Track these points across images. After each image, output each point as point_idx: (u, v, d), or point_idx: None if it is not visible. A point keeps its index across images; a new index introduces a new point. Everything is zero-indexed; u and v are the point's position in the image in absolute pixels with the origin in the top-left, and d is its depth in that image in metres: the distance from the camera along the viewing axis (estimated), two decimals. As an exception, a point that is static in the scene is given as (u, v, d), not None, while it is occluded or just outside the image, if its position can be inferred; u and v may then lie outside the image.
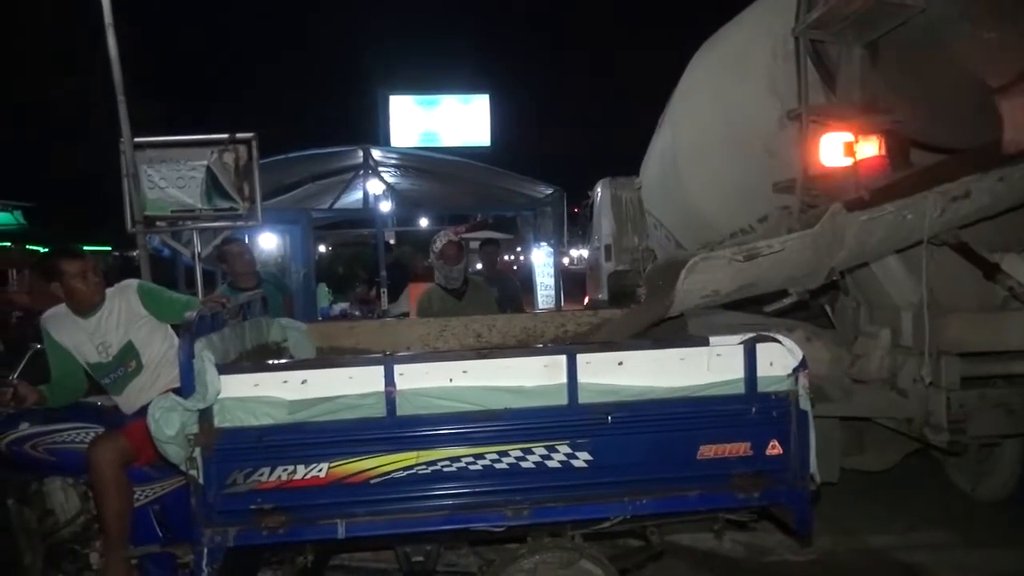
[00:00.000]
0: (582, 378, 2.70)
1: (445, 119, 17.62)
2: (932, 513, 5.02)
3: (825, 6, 3.77)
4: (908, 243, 3.62)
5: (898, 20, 3.81)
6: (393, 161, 9.49)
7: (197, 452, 2.57)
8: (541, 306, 10.30)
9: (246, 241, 5.98)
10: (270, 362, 2.78)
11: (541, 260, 10.27)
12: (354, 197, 10.09)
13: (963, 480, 5.25)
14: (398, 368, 2.64)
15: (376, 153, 9.12)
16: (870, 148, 4.11)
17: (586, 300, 11.53)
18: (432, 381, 2.68)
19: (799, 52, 4.51)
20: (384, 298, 9.11)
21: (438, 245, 4.71)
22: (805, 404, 2.79)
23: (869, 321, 4.69)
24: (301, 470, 2.62)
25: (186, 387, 2.56)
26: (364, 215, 10.32)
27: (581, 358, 2.70)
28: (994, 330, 4.09)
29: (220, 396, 2.58)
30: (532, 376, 2.72)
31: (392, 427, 2.65)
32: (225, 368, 2.65)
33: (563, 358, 2.71)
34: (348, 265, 14.21)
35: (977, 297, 4.12)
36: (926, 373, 3.68)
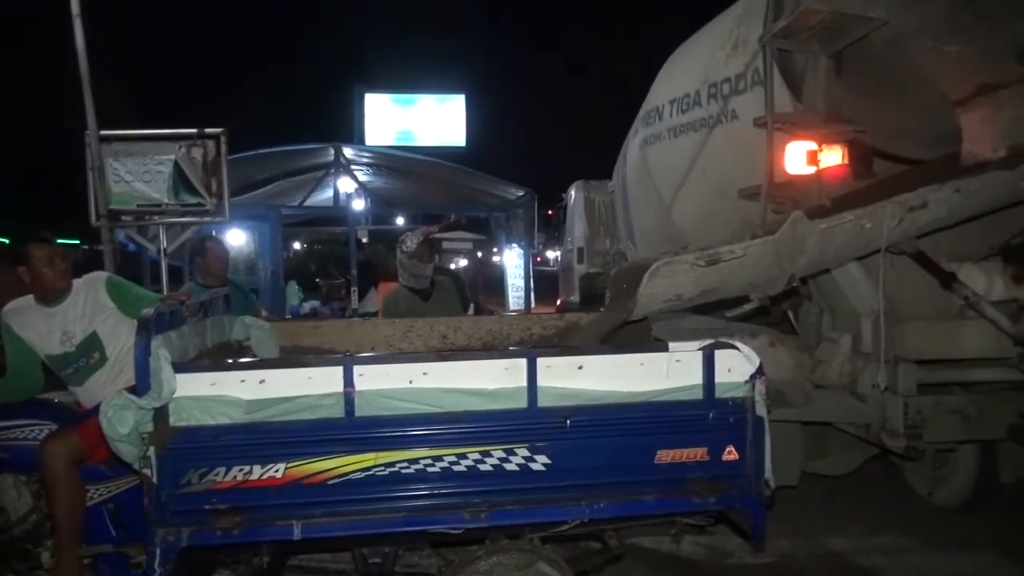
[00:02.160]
0: (542, 381, 2.71)
1: (421, 118, 17.57)
2: (890, 517, 5.10)
3: (791, 16, 3.82)
4: (867, 251, 3.68)
5: (861, 32, 3.87)
6: (365, 159, 9.45)
7: (151, 451, 2.54)
8: (512, 307, 10.31)
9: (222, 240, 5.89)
10: (228, 361, 2.76)
11: (513, 262, 10.27)
12: (325, 195, 10.03)
13: (920, 485, 5.34)
14: (357, 369, 2.63)
15: (348, 151, 9.07)
16: (834, 157, 4.17)
17: (559, 302, 11.57)
18: (392, 382, 2.67)
19: (766, 60, 4.57)
20: (355, 296, 9.07)
21: (410, 244, 4.68)
22: (761, 410, 2.82)
23: (831, 327, 4.75)
24: (257, 470, 2.60)
25: (141, 385, 2.53)
26: (335, 213, 10.27)
27: (541, 361, 2.71)
28: (950, 338, 4.17)
29: (176, 394, 2.55)
30: (492, 379, 2.72)
31: (351, 428, 2.64)
32: (181, 366, 2.62)
33: (523, 361, 2.72)
34: (320, 263, 14.11)
35: (934, 306, 4.19)
36: (882, 379, 3.74)
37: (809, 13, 3.66)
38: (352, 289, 9.13)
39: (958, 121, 3.83)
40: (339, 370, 2.63)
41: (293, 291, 9.19)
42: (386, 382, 2.67)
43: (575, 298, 10.50)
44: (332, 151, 8.82)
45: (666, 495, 2.80)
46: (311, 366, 2.67)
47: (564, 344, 3.61)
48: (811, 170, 4.17)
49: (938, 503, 5.18)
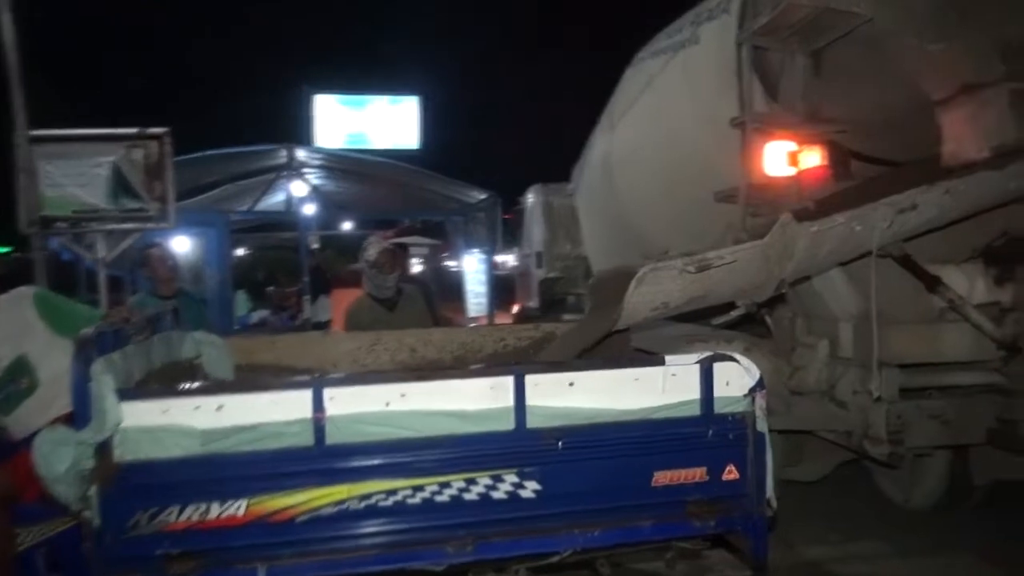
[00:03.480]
0: (530, 400, 2.50)
1: (373, 120, 17.16)
2: (864, 523, 5.02)
3: (773, 13, 3.69)
4: (856, 254, 3.57)
5: (845, 29, 3.78)
6: (319, 162, 9.08)
7: (93, 490, 2.24)
8: (472, 314, 10.05)
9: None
10: (182, 386, 2.47)
11: (473, 267, 10.02)
12: (276, 199, 9.62)
13: (893, 489, 5.28)
14: (328, 391, 2.38)
15: (300, 153, 8.70)
16: (813, 158, 4.07)
17: (516, 307, 11.37)
18: (366, 405, 2.42)
19: (740, 60, 4.45)
20: (321, 305, 8.73)
21: (371, 252, 4.43)
22: (762, 426, 2.65)
23: (806, 332, 4.65)
24: (216, 508, 2.32)
25: (80, 415, 2.24)
26: (287, 218, 9.85)
27: (530, 379, 2.50)
28: (932, 342, 4.09)
29: (122, 425, 2.26)
30: (476, 399, 2.49)
31: (321, 457, 2.38)
32: (128, 393, 2.32)
33: (510, 379, 2.50)
34: (268, 270, 13.61)
35: (915, 309, 4.11)
36: (875, 387, 3.63)
37: (793, 8, 3.54)
38: (304, 297, 8.77)
39: (939, 121, 3.76)
40: (307, 393, 2.37)
41: (241, 300, 8.78)
42: (360, 405, 2.42)
43: (534, 303, 10.31)
44: (285, 153, 8.44)
45: (664, 519, 2.61)
46: (275, 389, 2.40)
47: (548, 358, 3.39)
48: (790, 172, 4.07)
49: (913, 507, 5.12)
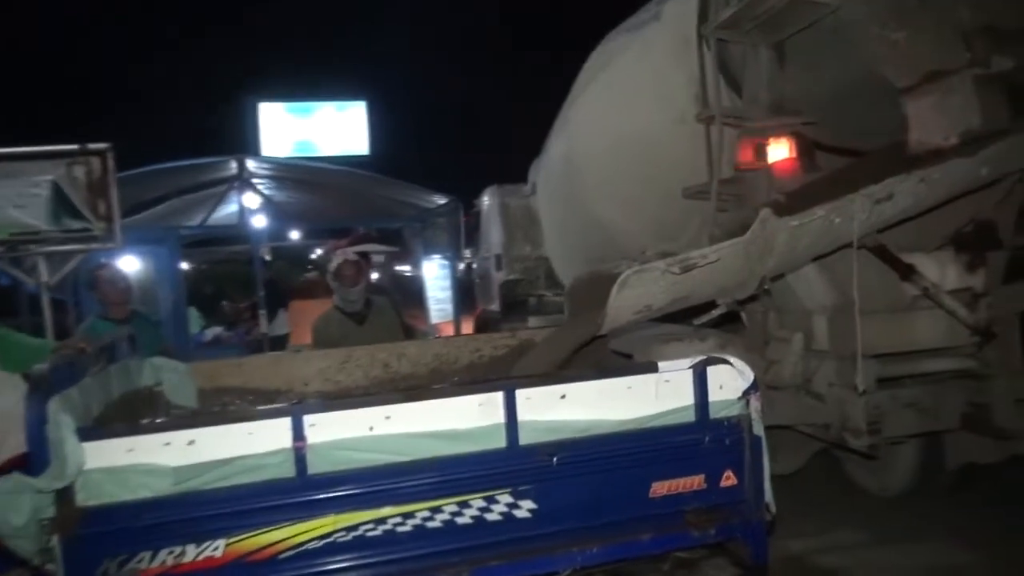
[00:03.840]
0: (522, 416, 2.38)
1: (320, 128, 16.76)
2: (837, 512, 5.02)
3: (739, 4, 3.64)
4: (834, 247, 3.54)
5: (810, 19, 3.74)
6: (269, 172, 8.79)
7: (55, 541, 2.06)
8: (434, 320, 9.87)
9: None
10: (148, 420, 2.30)
11: (433, 273, 9.84)
12: (225, 212, 9.29)
13: (866, 478, 5.30)
14: (308, 419, 2.23)
15: (251, 163, 8.40)
16: (781, 150, 4.04)
17: (477, 311, 11.23)
18: (349, 431, 2.29)
19: (702, 52, 4.41)
20: (280, 319, 8.45)
21: (333, 264, 4.25)
22: (758, 429, 2.59)
23: (778, 326, 4.62)
24: (192, 551, 2.16)
25: (36, 460, 2.05)
26: (238, 231, 9.52)
27: (520, 393, 2.38)
28: (905, 331, 4.08)
29: (84, 467, 2.08)
30: (465, 417, 2.37)
31: (303, 489, 2.23)
32: (89, 432, 2.14)
33: (499, 395, 2.38)
34: (217, 285, 13.17)
35: (886, 299, 4.10)
36: (859, 381, 3.59)
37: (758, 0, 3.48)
38: (260, 312, 8.49)
39: (904, 109, 3.75)
40: (286, 421, 2.22)
41: (194, 318, 8.45)
42: (343, 431, 2.28)
43: (495, 307, 10.17)
44: (235, 164, 8.14)
45: (663, 531, 2.52)
46: (252, 419, 2.23)
47: (529, 368, 3.28)
48: (759, 165, 4.03)
49: (885, 494, 5.15)
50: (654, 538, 2.50)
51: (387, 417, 2.31)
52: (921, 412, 4.19)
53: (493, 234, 10.16)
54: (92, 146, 5.13)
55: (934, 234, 3.94)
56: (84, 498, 2.11)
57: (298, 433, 2.22)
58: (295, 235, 14.92)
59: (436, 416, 2.35)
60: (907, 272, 3.70)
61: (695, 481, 2.52)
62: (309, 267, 18.90)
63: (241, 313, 10.04)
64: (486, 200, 10.46)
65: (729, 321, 3.91)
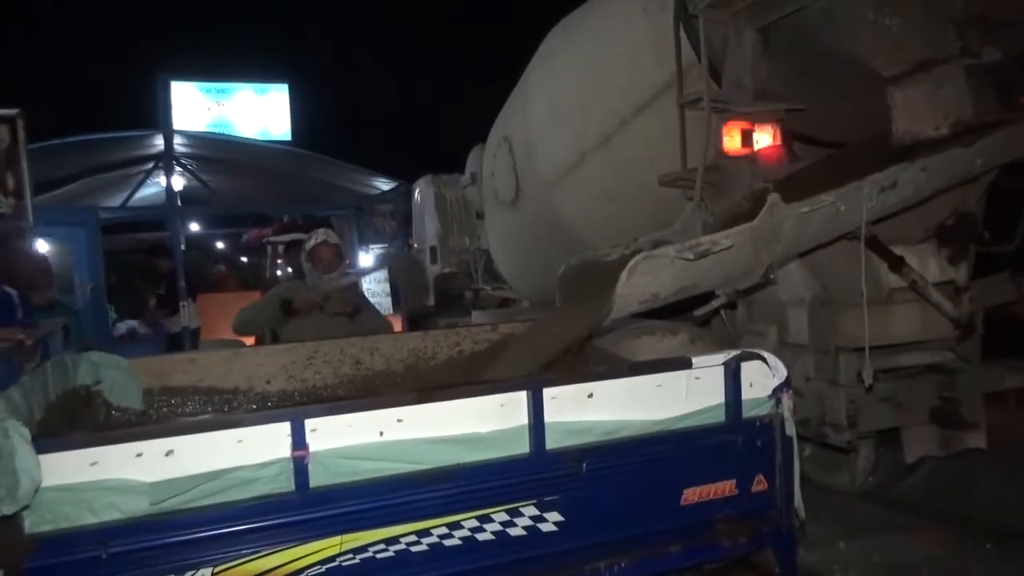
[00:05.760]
0: (547, 417, 2.12)
1: (239, 111, 15.77)
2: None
3: (727, -13, 3.47)
4: (836, 235, 3.42)
5: (799, 4, 3.61)
6: (195, 151, 8.07)
7: (0, 577, 1.67)
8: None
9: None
10: (118, 431, 1.92)
11: (369, 264, 9.35)
12: (146, 193, 8.50)
13: (822, 474, 5.27)
14: (310, 423, 1.90)
15: (178, 140, 7.67)
16: (766, 138, 3.92)
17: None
18: (356, 437, 1.97)
19: (679, 33, 4.24)
20: (188, 312, 7.82)
21: (310, 243, 3.86)
22: (790, 429, 2.41)
23: (748, 319, 4.52)
24: (171, 584, 1.80)
25: (-24, 479, 1.65)
26: (150, 215, 8.71)
27: (547, 392, 2.11)
28: (884, 324, 4.03)
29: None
30: (485, 420, 2.09)
31: (304, 505, 1.91)
32: (40, 443, 1.74)
33: (523, 394, 2.11)
34: (123, 275, 12.17)
35: (867, 292, 4.04)
36: (867, 375, 3.49)
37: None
38: (181, 304, 7.86)
39: (889, 99, 3.67)
40: (284, 427, 1.88)
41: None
42: (348, 437, 1.96)
43: (429, 301, 9.80)
44: (162, 140, 7.41)
45: (694, 542, 2.30)
46: (243, 425, 1.88)
47: (518, 363, 3.00)
48: (744, 151, 3.90)
49: (846, 489, 5.14)
50: (684, 550, 2.29)
51: (399, 420, 2.00)
52: (896, 407, 4.15)
53: (428, 226, 9.76)
54: (0, 112, 4.56)
55: (918, 227, 3.89)
56: (35, 523, 1.73)
57: (299, 440, 1.89)
58: (196, 226, 13.93)
59: (454, 419, 2.06)
60: (898, 264, 3.63)
61: (727, 487, 2.32)
62: (213, 258, 17.94)
63: (145, 304, 9.24)
64: (420, 190, 10.05)
65: (678, 312, 3.73)
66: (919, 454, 4.82)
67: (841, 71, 3.84)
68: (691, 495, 2.28)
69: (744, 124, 3.87)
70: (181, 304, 7.78)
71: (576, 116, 5.22)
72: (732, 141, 3.80)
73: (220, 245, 19.12)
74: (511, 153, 6.33)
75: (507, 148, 6.44)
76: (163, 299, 8.51)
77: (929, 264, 3.93)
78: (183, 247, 11.63)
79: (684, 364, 2.29)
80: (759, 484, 2.37)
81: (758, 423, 2.37)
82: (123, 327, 8.14)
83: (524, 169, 6.08)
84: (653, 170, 4.50)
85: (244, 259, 17.40)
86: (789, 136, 4.10)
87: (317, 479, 1.92)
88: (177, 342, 7.86)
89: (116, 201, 8.47)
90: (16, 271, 3.88)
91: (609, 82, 4.92)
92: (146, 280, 11.00)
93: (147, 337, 8.02)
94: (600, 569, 2.18)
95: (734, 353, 2.35)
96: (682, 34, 4.23)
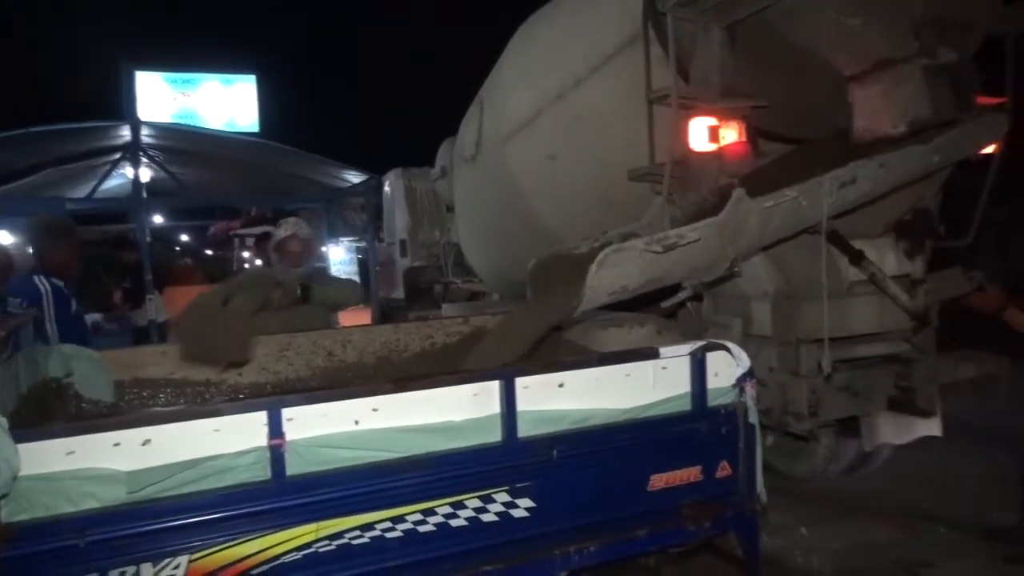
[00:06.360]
0: (519, 406, 2.18)
1: (205, 102, 15.54)
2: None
3: (696, -15, 3.54)
4: (798, 230, 3.51)
5: (766, 2, 3.69)
6: (163, 142, 7.95)
7: (-23, 566, 1.69)
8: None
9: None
10: (95, 420, 1.93)
11: (339, 257, 9.30)
12: (111, 184, 8.35)
13: (781, 462, 5.40)
14: (287, 412, 1.93)
15: (146, 131, 7.55)
16: (732, 134, 4.00)
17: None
18: (332, 426, 2.01)
19: (648, 30, 4.30)
20: (155, 306, 7.72)
21: (280, 232, 3.84)
22: (753, 417, 2.49)
23: (714, 311, 4.61)
24: (148, 571, 1.82)
25: (-46, 469, 1.65)
26: (124, 206, 8.57)
27: (519, 382, 2.17)
28: (844, 316, 4.14)
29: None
30: (459, 409, 2.14)
31: (281, 493, 1.94)
32: (21, 433, 1.76)
33: (496, 384, 2.16)
34: (89, 267, 11.94)
35: (827, 285, 4.15)
36: (826, 364, 3.59)
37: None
38: (149, 297, 7.76)
39: (850, 96, 3.78)
40: (260, 416, 1.92)
41: (69, 304, 7.57)
42: (324, 426, 2.00)
43: (398, 294, 9.81)
44: (128, 131, 7.29)
45: (660, 527, 2.38)
46: (220, 414, 1.91)
47: (490, 356, 3.05)
48: (712, 148, 3.97)
49: (801, 476, 5.26)
50: (651, 533, 2.36)
51: (374, 409, 2.05)
52: (855, 396, 4.27)
53: (398, 219, 9.76)
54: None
55: (877, 222, 4.01)
56: (12, 512, 1.74)
57: (275, 429, 1.92)
58: (158, 219, 13.71)
59: (428, 408, 2.11)
60: (858, 258, 3.74)
61: (692, 473, 2.41)
62: (177, 248, 17.71)
63: (109, 298, 9.08)
64: (389, 184, 10.04)
65: (646, 304, 3.81)
66: (877, 442, 4.97)
67: (805, 69, 3.93)
68: (658, 481, 2.35)
69: (711, 120, 3.95)
70: (148, 297, 7.68)
71: (540, 74, 5.23)
72: (699, 137, 3.87)
73: (184, 238, 18.91)
74: (481, 111, 6.31)
75: (479, 107, 6.42)
76: (128, 292, 8.38)
77: (887, 258, 4.05)
78: (148, 239, 11.48)
79: (651, 354, 2.36)
80: (723, 470, 2.45)
81: (722, 411, 2.45)
82: (88, 320, 7.98)
83: (487, 126, 6.05)
84: (600, 133, 4.54)
85: (209, 252, 17.24)
86: (754, 132, 4.18)
87: (293, 467, 1.95)
88: (143, 336, 7.76)
89: (82, 192, 8.33)
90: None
91: (576, 38, 4.93)
92: (110, 272, 10.82)
93: (112, 332, 7.89)
94: (570, 553, 2.25)
95: (700, 344, 2.42)
96: (651, 31, 4.30)
